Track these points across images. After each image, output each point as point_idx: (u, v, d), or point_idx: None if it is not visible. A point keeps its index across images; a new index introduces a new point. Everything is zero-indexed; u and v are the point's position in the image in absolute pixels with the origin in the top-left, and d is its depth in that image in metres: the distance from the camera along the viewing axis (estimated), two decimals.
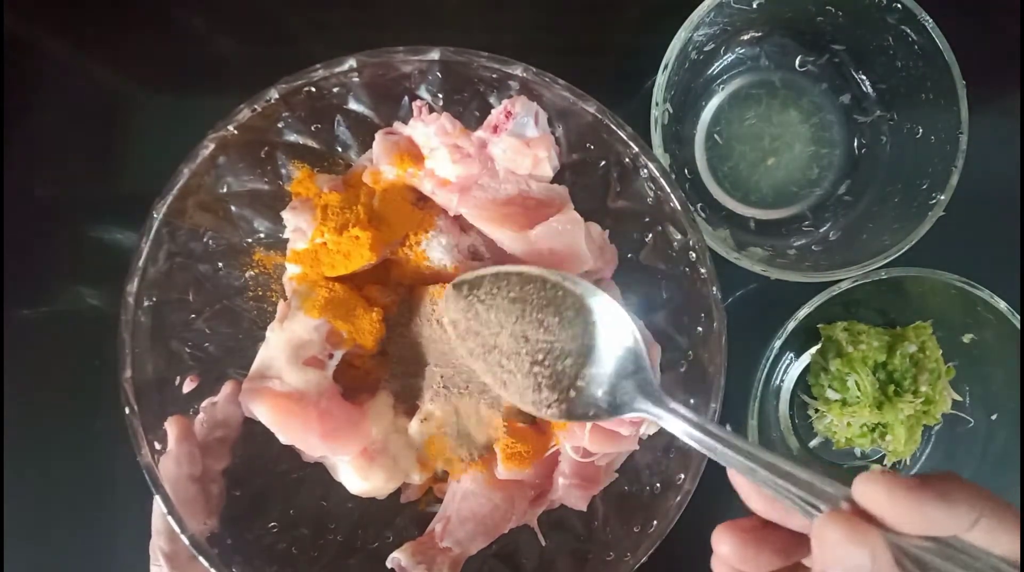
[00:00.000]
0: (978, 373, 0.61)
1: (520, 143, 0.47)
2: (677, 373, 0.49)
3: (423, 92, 0.49)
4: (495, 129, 0.47)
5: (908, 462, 0.63)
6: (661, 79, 0.54)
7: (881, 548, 0.25)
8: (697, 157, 0.63)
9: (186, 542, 0.42)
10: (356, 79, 0.46)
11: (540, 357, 0.40)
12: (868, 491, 0.26)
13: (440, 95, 0.49)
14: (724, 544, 0.30)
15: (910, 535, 0.25)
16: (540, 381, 0.40)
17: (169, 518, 0.41)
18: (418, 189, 0.49)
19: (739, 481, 0.31)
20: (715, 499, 0.50)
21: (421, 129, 0.48)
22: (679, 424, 0.35)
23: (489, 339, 0.42)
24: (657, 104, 0.54)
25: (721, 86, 0.63)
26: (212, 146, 0.44)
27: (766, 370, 0.56)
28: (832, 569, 0.26)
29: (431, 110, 0.48)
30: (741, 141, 0.63)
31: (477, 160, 0.48)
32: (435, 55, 0.44)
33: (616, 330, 0.39)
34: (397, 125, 0.49)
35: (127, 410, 0.43)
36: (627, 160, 0.47)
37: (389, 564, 0.46)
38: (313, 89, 0.45)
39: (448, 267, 0.49)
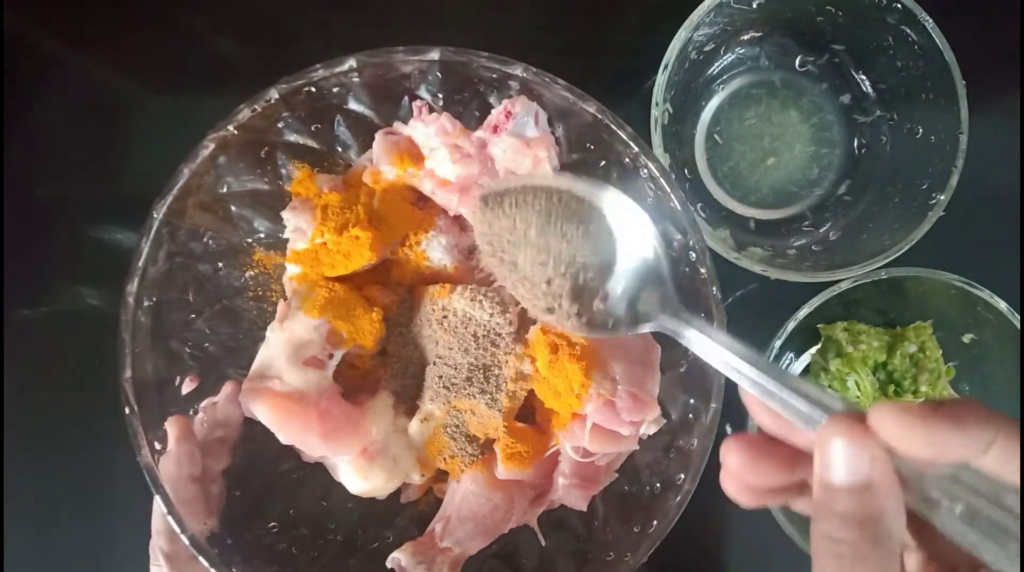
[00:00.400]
0: (978, 373, 0.61)
1: (520, 143, 0.47)
2: (677, 373, 0.49)
3: (423, 92, 0.49)
4: (495, 129, 0.47)
5: None
6: (661, 79, 0.54)
7: (881, 454, 0.25)
8: (697, 157, 0.63)
9: (186, 542, 0.42)
10: (356, 79, 0.46)
11: (562, 269, 0.40)
12: (879, 416, 0.26)
13: (440, 95, 0.49)
14: (732, 454, 0.30)
15: (922, 460, 0.25)
16: (561, 293, 0.40)
17: (169, 518, 0.41)
18: (418, 189, 0.49)
19: (748, 396, 0.31)
20: (715, 499, 0.49)
21: (421, 129, 0.48)
22: (695, 336, 0.35)
23: (513, 251, 0.41)
24: (657, 104, 0.54)
25: (721, 86, 0.63)
26: (212, 146, 0.44)
27: None
28: (831, 473, 0.26)
29: (431, 110, 0.48)
30: (741, 141, 0.63)
31: (477, 160, 0.48)
32: (435, 55, 0.44)
33: (638, 244, 0.39)
34: (397, 125, 0.49)
35: (127, 410, 0.43)
36: (627, 160, 0.47)
37: (389, 564, 0.46)
38: (313, 89, 0.45)
39: (448, 267, 0.49)
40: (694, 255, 0.45)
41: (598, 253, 0.40)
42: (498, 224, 0.41)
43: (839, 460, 0.26)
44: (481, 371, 0.48)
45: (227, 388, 0.47)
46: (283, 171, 0.50)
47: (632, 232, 0.39)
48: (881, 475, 0.25)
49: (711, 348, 0.34)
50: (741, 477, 0.30)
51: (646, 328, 0.38)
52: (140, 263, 0.44)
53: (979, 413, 0.25)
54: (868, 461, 0.25)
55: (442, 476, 0.51)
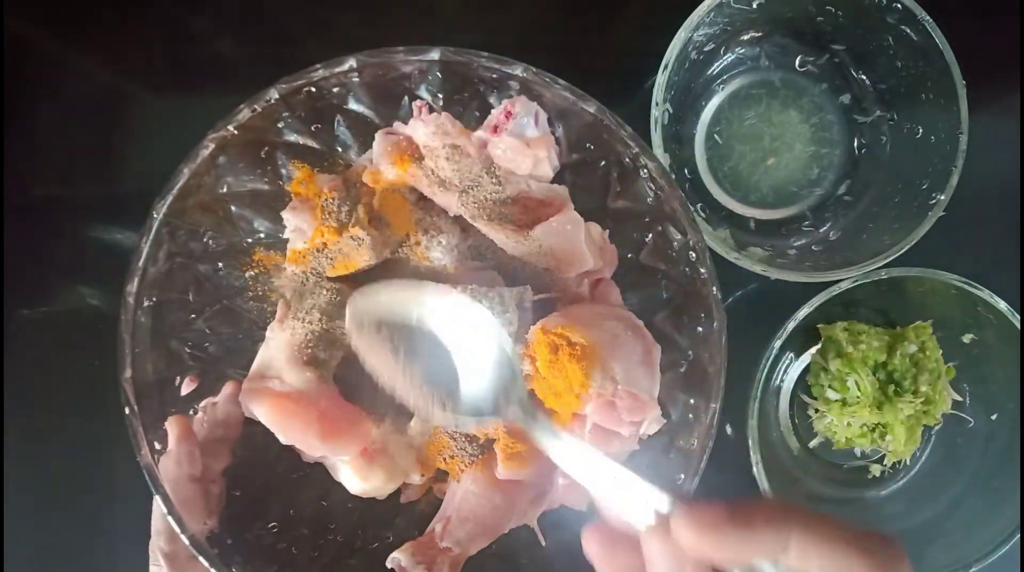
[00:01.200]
0: (978, 373, 0.61)
1: (520, 143, 0.47)
2: (677, 373, 0.49)
3: (423, 92, 0.49)
4: (495, 129, 0.47)
5: (908, 462, 0.63)
6: (661, 79, 0.54)
7: (685, 557, 0.27)
8: (697, 157, 0.63)
9: (186, 542, 0.41)
10: (356, 79, 0.46)
11: (417, 390, 0.42)
12: (677, 527, 0.27)
13: (440, 95, 0.49)
14: (591, 544, 0.31)
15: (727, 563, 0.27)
16: (435, 399, 0.42)
17: (169, 518, 0.41)
18: (418, 189, 0.49)
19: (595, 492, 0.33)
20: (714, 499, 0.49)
21: (421, 129, 0.48)
22: (541, 431, 0.37)
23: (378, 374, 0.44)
24: (657, 104, 0.54)
25: (721, 86, 0.63)
26: (212, 146, 0.44)
27: (766, 370, 0.56)
28: (652, 570, 0.28)
29: (431, 110, 0.48)
30: (741, 141, 0.63)
31: (477, 160, 0.48)
32: (435, 55, 0.44)
33: (481, 350, 0.41)
34: (397, 125, 0.49)
35: (127, 410, 0.43)
36: (627, 160, 0.47)
37: (389, 564, 0.46)
38: (313, 89, 0.45)
39: (448, 267, 0.49)
40: (694, 255, 0.46)
41: (445, 367, 0.41)
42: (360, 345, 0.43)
43: (656, 560, 0.28)
44: None
45: (227, 388, 0.47)
46: (283, 171, 0.50)
47: (475, 339, 0.41)
48: None
49: (556, 444, 0.35)
50: (604, 562, 0.32)
51: (501, 421, 0.40)
52: (140, 263, 0.44)
53: (769, 514, 0.26)
54: (676, 564, 0.27)
55: (442, 476, 0.51)
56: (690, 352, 0.48)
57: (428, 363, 0.42)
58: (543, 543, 0.49)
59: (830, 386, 0.60)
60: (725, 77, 0.63)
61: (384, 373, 0.42)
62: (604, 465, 0.32)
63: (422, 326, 0.42)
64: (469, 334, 0.41)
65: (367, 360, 0.43)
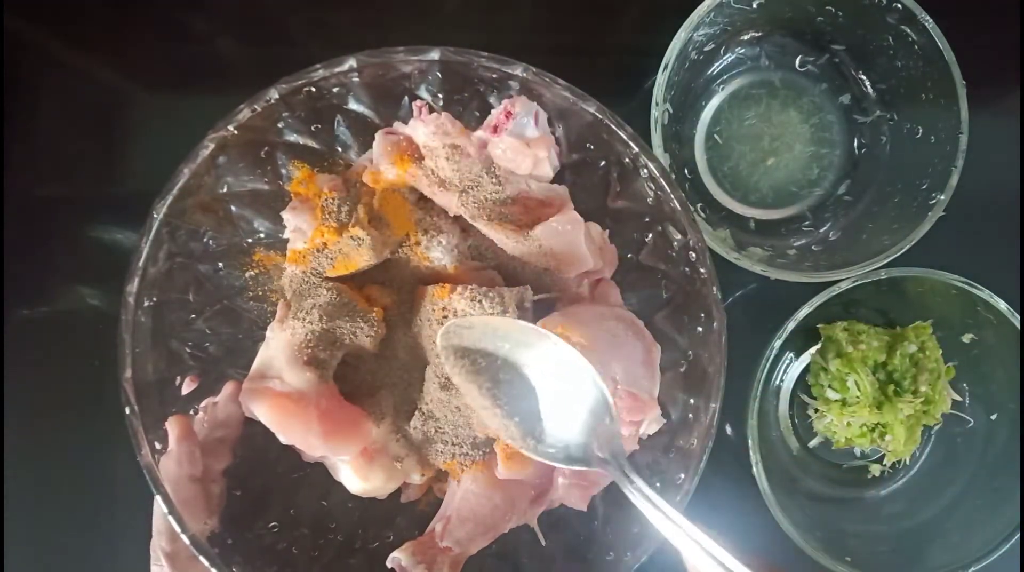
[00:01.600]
0: (978, 373, 0.61)
1: (520, 143, 0.47)
2: (677, 373, 0.49)
3: (423, 92, 0.49)
4: (495, 129, 0.47)
5: (908, 462, 0.63)
6: (661, 79, 0.55)
7: None
8: (697, 157, 0.63)
9: (186, 542, 0.42)
10: (356, 79, 0.46)
11: (499, 412, 0.44)
12: None
13: (440, 95, 0.49)
14: None
15: None
16: (514, 430, 0.44)
17: (169, 518, 0.41)
18: (418, 189, 0.49)
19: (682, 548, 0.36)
20: (715, 499, 0.50)
21: (421, 129, 0.48)
22: (633, 492, 0.39)
23: (466, 396, 0.46)
24: (657, 104, 0.54)
25: (721, 86, 0.63)
26: (212, 146, 0.44)
27: (766, 370, 0.56)
28: None
29: (431, 110, 0.48)
30: (741, 141, 0.63)
31: (477, 160, 0.48)
32: (435, 55, 0.44)
33: (579, 395, 0.42)
34: (397, 125, 0.49)
35: (127, 410, 0.43)
36: (627, 160, 0.47)
37: (389, 564, 0.46)
38: (313, 89, 0.45)
39: (448, 267, 0.49)
40: (694, 255, 0.46)
41: (524, 401, 0.43)
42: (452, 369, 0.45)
43: None
44: None
45: (227, 388, 0.47)
46: (283, 171, 0.50)
47: (573, 383, 0.42)
48: None
49: (649, 505, 0.38)
50: None
51: (589, 468, 0.42)
52: (140, 263, 0.44)
53: None
54: None
55: (442, 476, 0.51)
56: (690, 352, 0.48)
57: (521, 396, 0.43)
58: (543, 543, 0.49)
59: (830, 386, 0.60)
60: (725, 77, 0.63)
61: (475, 400, 0.44)
62: (698, 534, 0.34)
63: (518, 361, 0.43)
64: (567, 376, 0.42)
65: (461, 386, 0.45)
